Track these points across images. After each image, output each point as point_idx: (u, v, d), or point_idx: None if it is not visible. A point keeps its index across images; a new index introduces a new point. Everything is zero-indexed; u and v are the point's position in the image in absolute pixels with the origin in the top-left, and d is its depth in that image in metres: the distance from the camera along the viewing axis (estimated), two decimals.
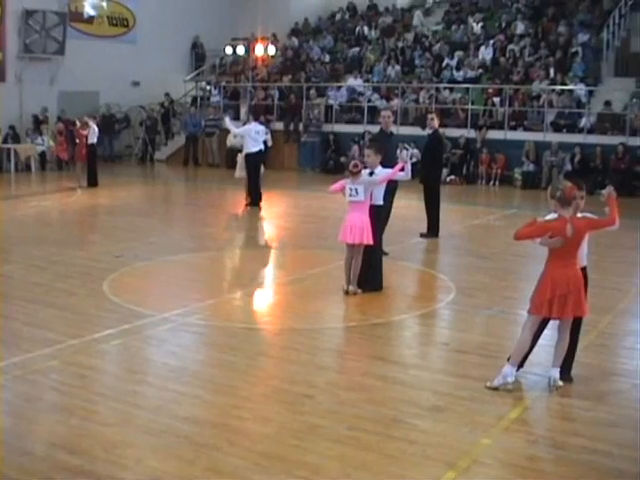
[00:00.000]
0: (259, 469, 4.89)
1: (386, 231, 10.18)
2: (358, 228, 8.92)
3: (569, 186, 5.98)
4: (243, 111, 26.32)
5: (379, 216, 9.29)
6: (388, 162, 9.42)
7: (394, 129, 12.86)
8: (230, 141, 23.99)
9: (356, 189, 8.90)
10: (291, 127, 25.13)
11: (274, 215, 16.00)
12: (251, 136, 16.21)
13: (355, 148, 22.59)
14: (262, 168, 16.61)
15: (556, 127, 21.51)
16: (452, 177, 21.48)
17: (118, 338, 7.31)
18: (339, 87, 25.35)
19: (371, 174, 9.01)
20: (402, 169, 9.11)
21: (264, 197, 16.53)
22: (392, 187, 10.10)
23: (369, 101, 24.47)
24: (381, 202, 9.24)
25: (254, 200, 16.32)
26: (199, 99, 27.35)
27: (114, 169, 23.52)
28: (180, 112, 27.52)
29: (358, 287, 9.12)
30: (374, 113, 23.37)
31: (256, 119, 17.11)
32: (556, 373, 6.22)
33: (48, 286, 9.22)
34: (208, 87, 27.87)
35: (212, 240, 12.82)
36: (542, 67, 23.13)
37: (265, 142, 16.79)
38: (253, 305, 9.15)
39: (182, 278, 10.11)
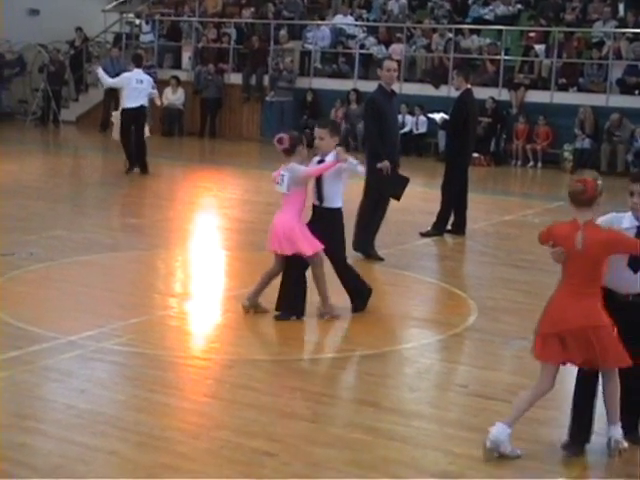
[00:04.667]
0: None
1: (381, 229, 10.18)
2: (281, 234, 8.64)
3: (579, 179, 5.78)
4: (186, 56, 26.28)
5: (334, 225, 8.94)
6: (390, 133, 9.35)
7: (396, 87, 12.91)
8: (167, 98, 24.03)
9: (282, 176, 8.69)
10: (252, 81, 25.09)
11: (226, 203, 15.96)
12: (131, 86, 17.32)
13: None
14: (147, 130, 17.88)
15: (625, 87, 21.62)
16: (475, 155, 21.47)
17: (2, 370, 7.26)
18: (320, 27, 25.36)
19: (320, 163, 8.89)
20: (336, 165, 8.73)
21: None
22: None
23: (362, 47, 24.50)
24: (338, 204, 8.91)
25: (136, 165, 17.83)
26: (124, 37, 27.24)
27: (1, 132, 23.30)
28: (97, 55, 27.38)
29: (277, 310, 8.85)
30: (369, 64, 23.39)
31: (139, 65, 18.04)
32: (617, 432, 6.11)
33: None
34: (137, 21, 27.77)
35: (140, 235, 12.79)
36: (608, 2, 23.21)
37: (151, 98, 17.90)
38: (195, 326, 9.14)
39: (96, 287, 10.06)
